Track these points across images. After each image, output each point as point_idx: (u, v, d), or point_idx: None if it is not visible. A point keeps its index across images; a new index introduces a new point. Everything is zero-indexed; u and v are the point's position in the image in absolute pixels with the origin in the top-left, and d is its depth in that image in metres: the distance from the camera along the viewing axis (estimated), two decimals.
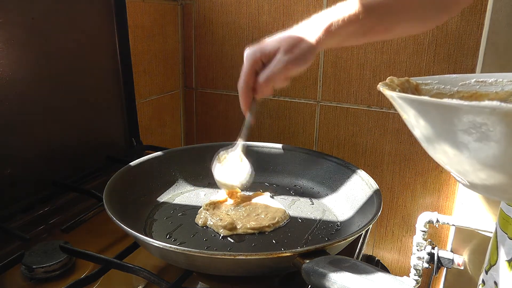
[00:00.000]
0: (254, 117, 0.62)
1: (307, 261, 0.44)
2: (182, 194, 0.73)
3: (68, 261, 0.56)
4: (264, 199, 0.69)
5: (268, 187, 0.76)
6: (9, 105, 0.66)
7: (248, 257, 0.46)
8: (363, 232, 0.57)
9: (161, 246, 0.48)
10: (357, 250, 0.63)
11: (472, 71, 0.91)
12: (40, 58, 0.70)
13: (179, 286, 0.50)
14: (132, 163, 0.70)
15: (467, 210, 0.98)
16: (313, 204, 0.71)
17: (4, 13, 0.64)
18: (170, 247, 0.47)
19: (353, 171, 0.70)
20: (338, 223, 0.64)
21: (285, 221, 0.63)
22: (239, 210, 0.65)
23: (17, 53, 0.67)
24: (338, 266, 0.42)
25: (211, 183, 0.76)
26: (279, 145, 0.80)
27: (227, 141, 0.83)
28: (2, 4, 0.63)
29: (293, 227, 0.63)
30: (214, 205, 0.66)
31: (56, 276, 0.55)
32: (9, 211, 0.65)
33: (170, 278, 0.51)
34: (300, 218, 0.66)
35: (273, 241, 0.59)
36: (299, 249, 0.47)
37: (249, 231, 0.60)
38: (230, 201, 0.68)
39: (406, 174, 1.03)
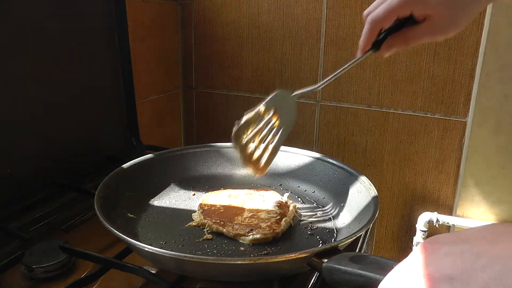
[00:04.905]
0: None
1: (325, 260, 0.45)
2: (176, 197, 0.72)
3: (68, 261, 0.56)
4: (272, 198, 0.68)
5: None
6: (9, 105, 0.66)
7: (269, 260, 0.46)
8: (363, 232, 0.57)
9: (152, 251, 0.47)
10: (357, 250, 0.63)
11: (472, 71, 0.91)
12: (40, 58, 0.70)
13: (178, 286, 0.51)
14: (125, 165, 0.70)
15: (467, 210, 0.98)
16: (313, 205, 0.71)
17: (4, 13, 0.64)
18: (165, 252, 0.47)
19: (353, 175, 0.70)
20: (335, 228, 0.64)
21: (285, 228, 0.62)
22: (242, 216, 0.64)
23: (17, 53, 0.67)
24: (360, 262, 0.42)
25: (210, 186, 0.76)
26: (281, 147, 0.80)
27: (227, 141, 0.83)
28: (2, 4, 0.63)
29: (292, 230, 0.63)
30: (209, 207, 0.65)
31: (56, 276, 0.55)
32: (9, 211, 0.65)
33: (170, 278, 0.51)
34: (300, 219, 0.66)
35: (267, 246, 0.58)
36: (315, 249, 0.47)
37: (252, 241, 0.58)
38: (229, 202, 0.68)
39: (406, 174, 1.03)
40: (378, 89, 1.00)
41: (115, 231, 0.50)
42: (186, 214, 0.66)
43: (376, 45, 0.55)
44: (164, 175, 0.75)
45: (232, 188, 0.72)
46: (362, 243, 0.65)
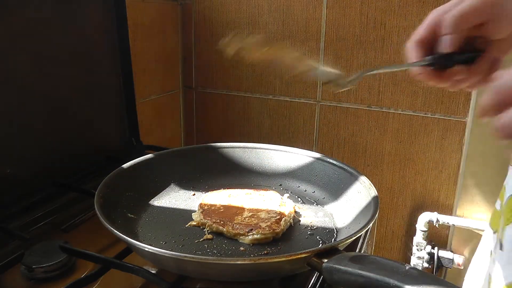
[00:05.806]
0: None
1: (325, 260, 0.45)
2: (176, 197, 0.72)
3: (68, 261, 0.56)
4: (273, 198, 0.68)
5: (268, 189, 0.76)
6: (9, 105, 0.66)
7: (269, 261, 0.46)
8: (363, 232, 0.57)
9: (152, 251, 0.47)
10: (357, 250, 0.63)
11: None
12: (40, 58, 0.70)
13: (178, 286, 0.51)
14: (125, 165, 0.69)
15: (467, 210, 0.98)
16: (312, 206, 0.71)
17: (4, 13, 0.64)
18: (165, 252, 0.47)
19: (353, 175, 0.70)
20: (335, 228, 0.64)
21: (285, 228, 0.62)
22: (242, 215, 0.64)
23: (17, 53, 0.67)
24: (360, 262, 0.42)
25: (210, 186, 0.76)
26: (281, 147, 0.80)
27: (227, 141, 0.83)
28: (3, 4, 0.63)
29: (292, 230, 0.63)
30: (209, 207, 0.65)
31: (56, 276, 0.55)
32: (9, 211, 0.65)
33: (170, 278, 0.51)
34: (300, 219, 0.66)
35: (267, 246, 0.58)
36: (315, 249, 0.47)
37: (252, 241, 0.59)
38: (229, 201, 0.68)
39: (406, 174, 1.03)
40: (378, 89, 1.00)
41: (115, 231, 0.50)
42: (186, 214, 0.66)
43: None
44: (164, 175, 0.75)
45: (232, 188, 0.72)
46: (362, 243, 0.65)
